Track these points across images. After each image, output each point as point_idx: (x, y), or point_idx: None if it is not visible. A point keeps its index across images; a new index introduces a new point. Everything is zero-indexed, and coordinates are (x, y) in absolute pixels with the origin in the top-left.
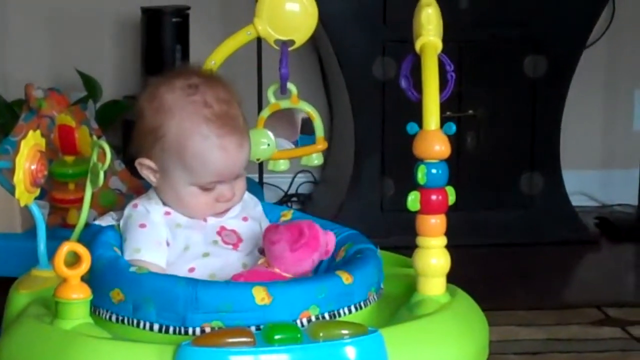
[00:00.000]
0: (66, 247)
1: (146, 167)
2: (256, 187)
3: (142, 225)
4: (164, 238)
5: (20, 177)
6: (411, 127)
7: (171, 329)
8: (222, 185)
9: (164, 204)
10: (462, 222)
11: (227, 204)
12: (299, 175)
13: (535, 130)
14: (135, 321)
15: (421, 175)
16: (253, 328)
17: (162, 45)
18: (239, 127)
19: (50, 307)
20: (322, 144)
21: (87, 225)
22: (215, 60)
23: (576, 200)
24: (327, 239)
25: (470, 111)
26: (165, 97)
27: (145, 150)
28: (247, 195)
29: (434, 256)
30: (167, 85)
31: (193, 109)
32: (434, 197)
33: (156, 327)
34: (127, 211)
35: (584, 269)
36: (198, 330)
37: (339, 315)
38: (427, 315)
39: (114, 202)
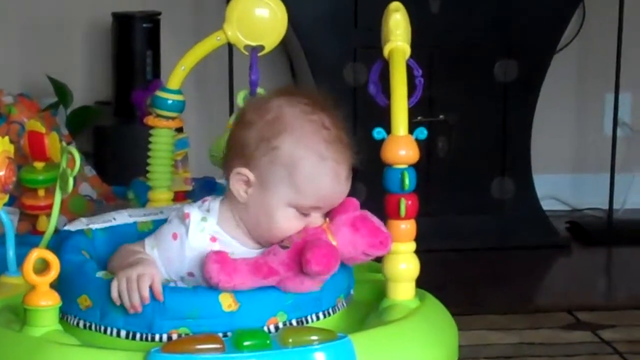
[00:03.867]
0: (35, 254)
1: (242, 179)
2: None
3: (175, 237)
4: (176, 262)
5: None
6: (378, 133)
7: (138, 336)
8: (316, 214)
9: (223, 225)
10: (433, 226)
11: None
12: None
13: (506, 135)
14: (102, 327)
15: (408, 181)
16: (220, 335)
17: (133, 51)
18: (351, 158)
19: (19, 314)
20: None
21: (57, 231)
22: (185, 66)
23: (547, 205)
24: (383, 238)
25: (442, 116)
26: (284, 110)
27: (246, 160)
28: None
29: (403, 261)
30: (285, 100)
31: (312, 128)
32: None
33: (123, 333)
34: (181, 209)
35: (555, 273)
36: (165, 336)
37: (307, 321)
38: (396, 320)
39: (84, 208)
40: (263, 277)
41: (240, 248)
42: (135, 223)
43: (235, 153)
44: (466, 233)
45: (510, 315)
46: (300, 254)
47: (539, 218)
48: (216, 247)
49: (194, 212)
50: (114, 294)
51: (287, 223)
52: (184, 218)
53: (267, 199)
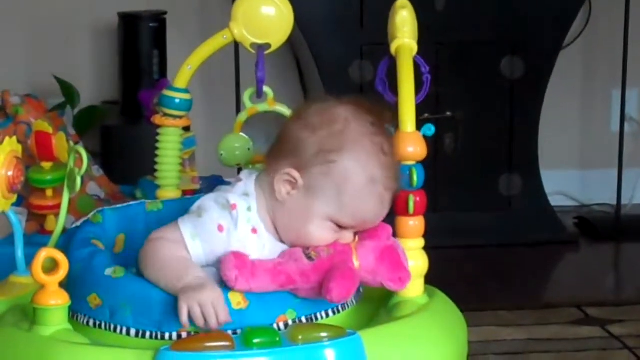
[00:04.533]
0: (44, 253)
1: (290, 180)
2: None
3: (221, 229)
4: (220, 253)
5: None
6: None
7: (148, 334)
8: (349, 231)
9: (260, 216)
10: (440, 223)
11: None
12: None
13: (513, 132)
14: (112, 326)
15: (416, 177)
16: (230, 332)
17: (140, 51)
18: (396, 185)
19: (28, 314)
20: None
21: (65, 231)
22: (191, 65)
23: (555, 201)
24: (403, 275)
25: (448, 113)
26: (350, 125)
27: (299, 163)
28: None
29: (412, 258)
30: (353, 112)
31: (372, 150)
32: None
33: (133, 332)
34: (222, 197)
35: (564, 269)
36: (175, 335)
37: (316, 319)
38: (405, 316)
39: (92, 207)
40: (280, 286)
41: (274, 242)
42: (143, 202)
43: (288, 152)
44: (474, 230)
45: (519, 311)
46: (323, 272)
47: (547, 214)
48: (254, 239)
49: (239, 202)
50: (184, 319)
51: (321, 234)
52: (230, 209)
53: (308, 206)
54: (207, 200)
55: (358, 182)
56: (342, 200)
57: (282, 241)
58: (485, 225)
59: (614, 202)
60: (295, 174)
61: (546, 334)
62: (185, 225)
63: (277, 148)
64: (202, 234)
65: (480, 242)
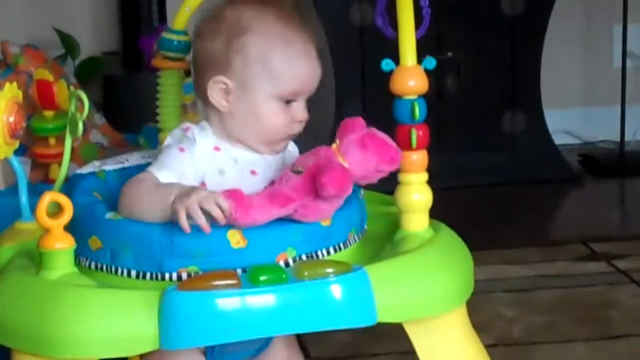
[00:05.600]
0: (48, 198)
1: (220, 88)
2: None
3: (182, 150)
4: (191, 174)
5: None
6: (386, 64)
7: (148, 275)
8: (298, 104)
9: (220, 139)
10: (444, 164)
11: (299, 127)
12: None
13: (515, 70)
14: (113, 268)
15: (418, 111)
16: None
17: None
18: (313, 36)
19: (35, 259)
20: None
21: (69, 178)
22: (189, 6)
23: (559, 139)
24: (393, 153)
25: (450, 53)
26: (240, 11)
27: (219, 68)
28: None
29: (415, 192)
30: (238, 3)
31: (271, 18)
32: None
33: (133, 273)
34: (175, 131)
35: (569, 206)
36: (175, 275)
37: (317, 256)
38: (411, 250)
39: (96, 155)
40: (280, 206)
41: (243, 153)
42: (148, 164)
43: (206, 66)
44: (478, 170)
45: (526, 249)
46: (313, 178)
47: (551, 152)
48: (221, 156)
49: (192, 125)
50: (183, 222)
51: (275, 117)
52: (184, 131)
53: (249, 98)
54: (165, 142)
55: (276, 51)
56: (274, 74)
57: (255, 151)
58: (490, 165)
59: (618, 139)
60: (222, 78)
61: (553, 270)
62: (151, 166)
63: (196, 72)
64: (167, 163)
65: (485, 181)
